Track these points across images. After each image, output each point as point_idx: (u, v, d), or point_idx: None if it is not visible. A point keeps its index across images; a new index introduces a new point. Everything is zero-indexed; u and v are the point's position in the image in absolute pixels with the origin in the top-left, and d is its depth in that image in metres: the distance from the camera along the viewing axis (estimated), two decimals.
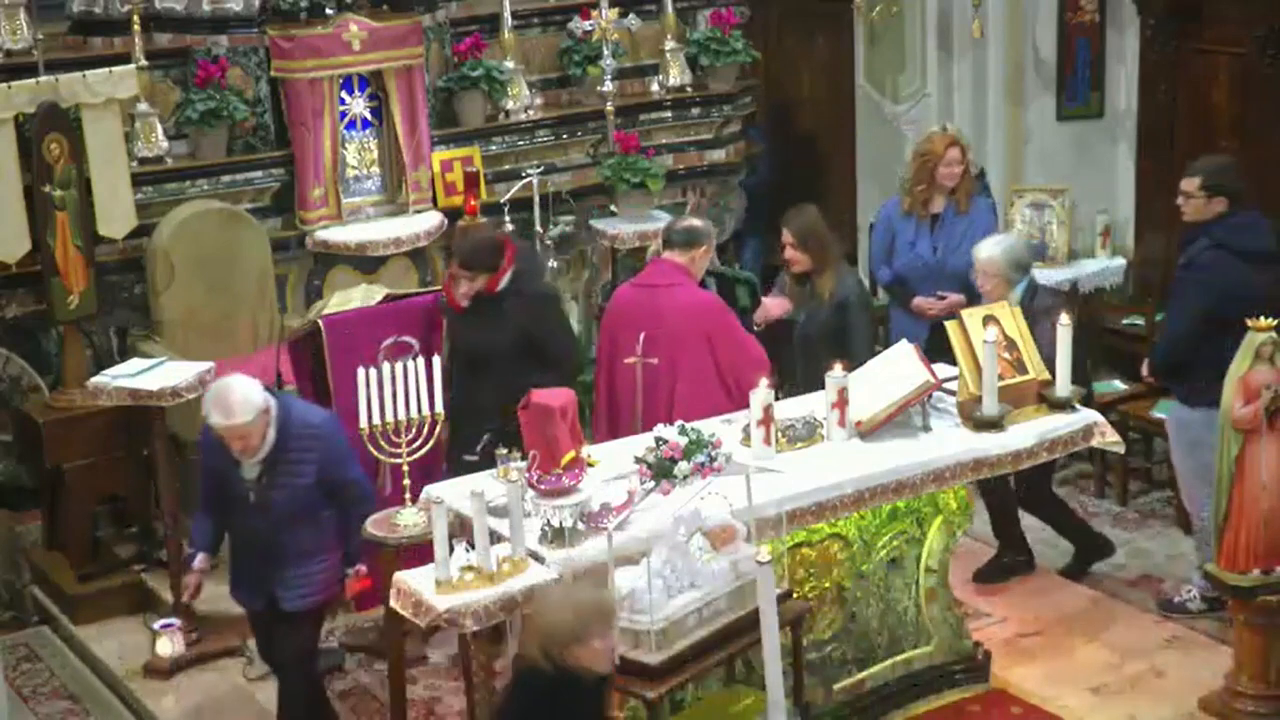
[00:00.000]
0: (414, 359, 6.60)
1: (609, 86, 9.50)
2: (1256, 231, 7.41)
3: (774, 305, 8.06)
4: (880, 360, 6.87)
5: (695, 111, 10.14)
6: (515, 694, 5.19)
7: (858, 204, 11.36)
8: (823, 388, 6.63)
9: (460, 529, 5.96)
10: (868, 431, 6.61)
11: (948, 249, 8.48)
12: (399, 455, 6.55)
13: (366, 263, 8.94)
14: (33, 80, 8.17)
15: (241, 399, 6.18)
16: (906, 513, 6.72)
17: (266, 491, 6.34)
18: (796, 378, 7.84)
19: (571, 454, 6.05)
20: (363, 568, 6.57)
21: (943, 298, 8.35)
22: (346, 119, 8.98)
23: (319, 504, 6.42)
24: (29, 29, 8.79)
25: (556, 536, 5.87)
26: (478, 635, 5.74)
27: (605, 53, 9.48)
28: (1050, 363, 6.80)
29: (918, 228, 8.59)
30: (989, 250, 7.54)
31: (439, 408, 6.57)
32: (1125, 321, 9.80)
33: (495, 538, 5.76)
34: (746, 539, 5.80)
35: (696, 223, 7.55)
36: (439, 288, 7.80)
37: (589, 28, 9.54)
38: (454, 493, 6.17)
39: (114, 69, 8.30)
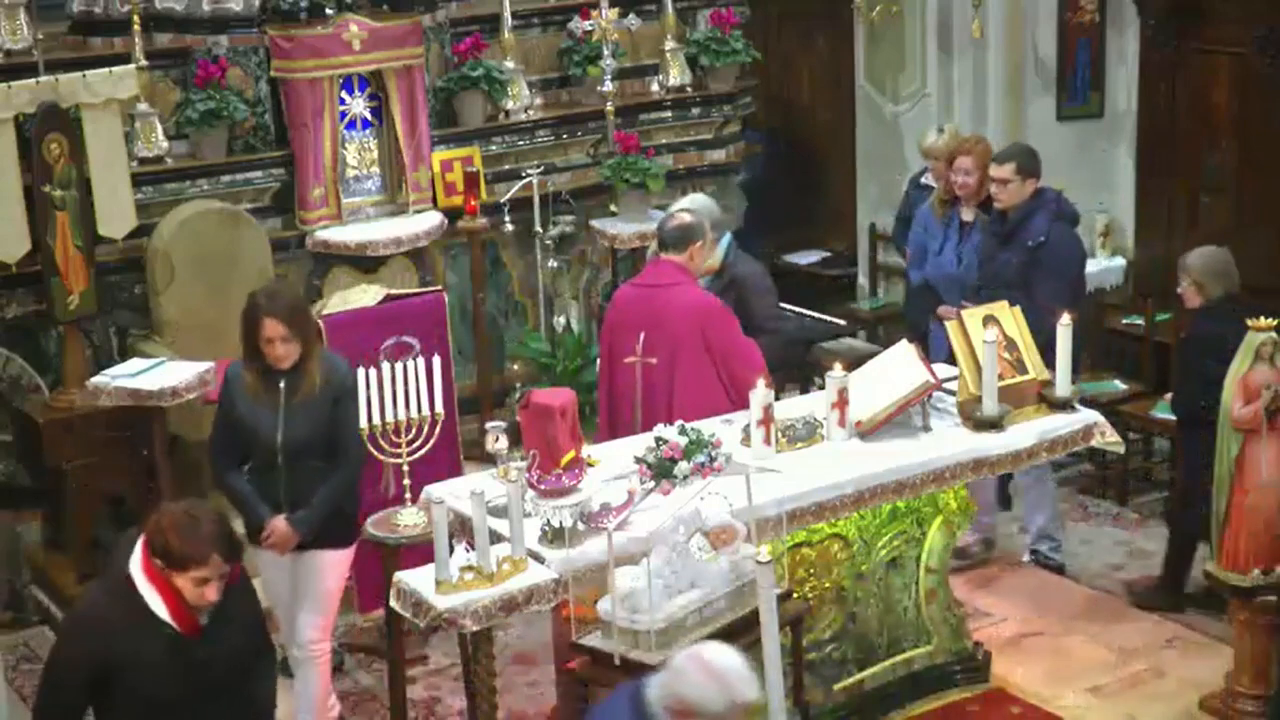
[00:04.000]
0: (414, 359, 6.60)
1: (609, 86, 9.50)
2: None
3: None
4: (880, 360, 6.88)
5: (695, 111, 10.14)
6: None
7: (857, 204, 11.38)
8: None
9: (460, 529, 5.96)
10: (868, 431, 6.61)
11: (971, 260, 8.36)
12: (399, 455, 6.55)
13: (366, 263, 8.93)
14: (33, 80, 8.16)
15: None
16: (906, 513, 6.73)
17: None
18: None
19: (571, 454, 6.06)
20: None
21: (965, 308, 8.26)
22: (346, 119, 8.97)
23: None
24: (29, 29, 8.77)
25: (556, 536, 5.87)
26: (477, 635, 5.74)
27: (605, 53, 9.47)
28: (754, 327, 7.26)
29: (945, 234, 8.52)
30: (674, 213, 7.50)
31: (439, 408, 6.57)
32: (1125, 321, 9.80)
33: (495, 538, 5.77)
34: (746, 539, 5.80)
35: (688, 219, 7.40)
36: (439, 288, 7.80)
37: (589, 28, 9.53)
38: (454, 493, 6.17)
39: (114, 69, 8.29)
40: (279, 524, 6.43)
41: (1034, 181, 7.93)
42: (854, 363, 7.03)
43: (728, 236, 7.68)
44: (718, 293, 7.43)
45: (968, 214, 8.45)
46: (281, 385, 6.37)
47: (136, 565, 4.90)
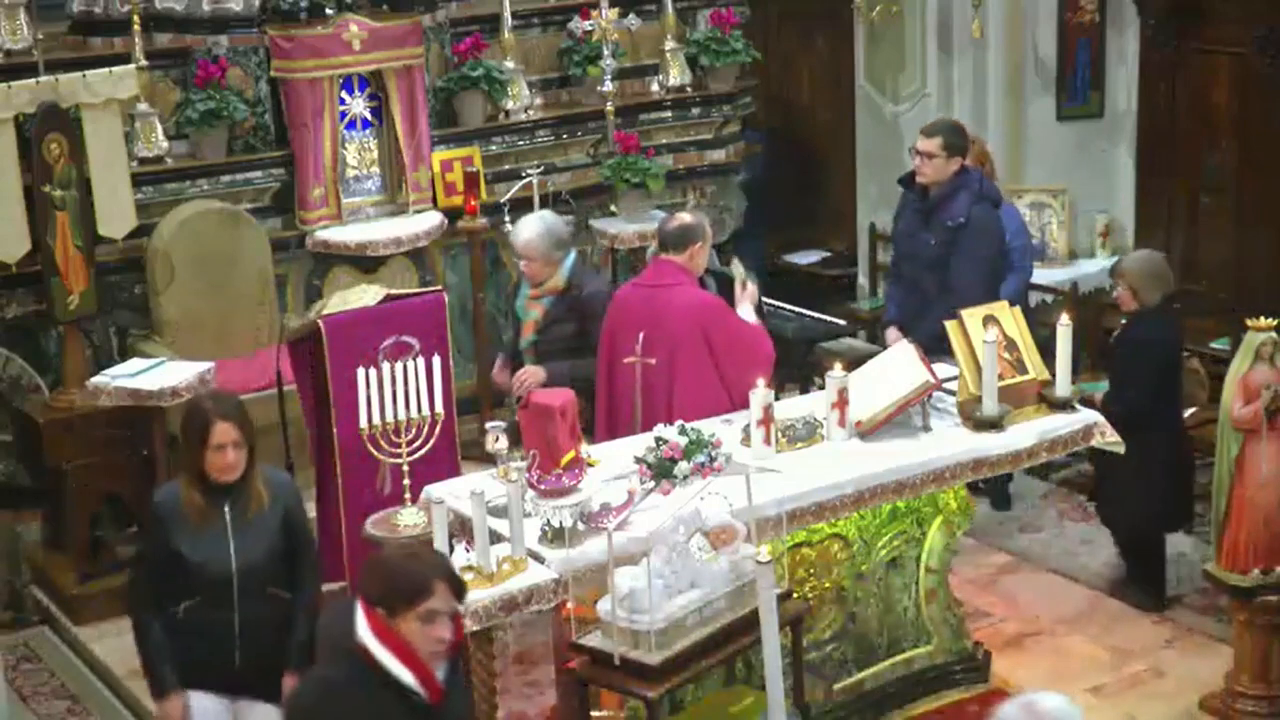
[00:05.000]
0: (414, 359, 6.60)
1: (609, 86, 9.50)
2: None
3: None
4: (880, 360, 6.87)
5: (695, 111, 10.14)
6: None
7: (857, 204, 11.37)
8: None
9: (460, 529, 5.96)
10: (868, 431, 6.60)
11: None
12: (399, 455, 6.55)
13: (366, 263, 8.94)
14: (33, 80, 8.17)
15: None
16: (906, 513, 6.72)
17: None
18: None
19: (571, 454, 6.05)
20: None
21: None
22: (346, 119, 8.98)
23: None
24: (29, 29, 8.78)
25: (556, 536, 5.87)
26: (477, 635, 5.74)
27: (605, 53, 9.47)
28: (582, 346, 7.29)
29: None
30: (526, 233, 7.51)
31: (439, 408, 6.57)
32: (1125, 321, 9.79)
33: (495, 538, 5.77)
34: (746, 539, 5.80)
35: (688, 220, 7.44)
36: (439, 288, 7.80)
37: (589, 28, 9.54)
38: (454, 493, 6.17)
39: (114, 69, 8.30)
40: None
41: (959, 160, 7.87)
42: (854, 363, 7.02)
43: (571, 255, 7.62)
44: (560, 315, 7.53)
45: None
46: (227, 506, 5.54)
47: (364, 630, 4.37)
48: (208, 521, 5.53)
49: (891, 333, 8.06)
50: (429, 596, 4.35)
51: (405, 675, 4.35)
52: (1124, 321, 7.75)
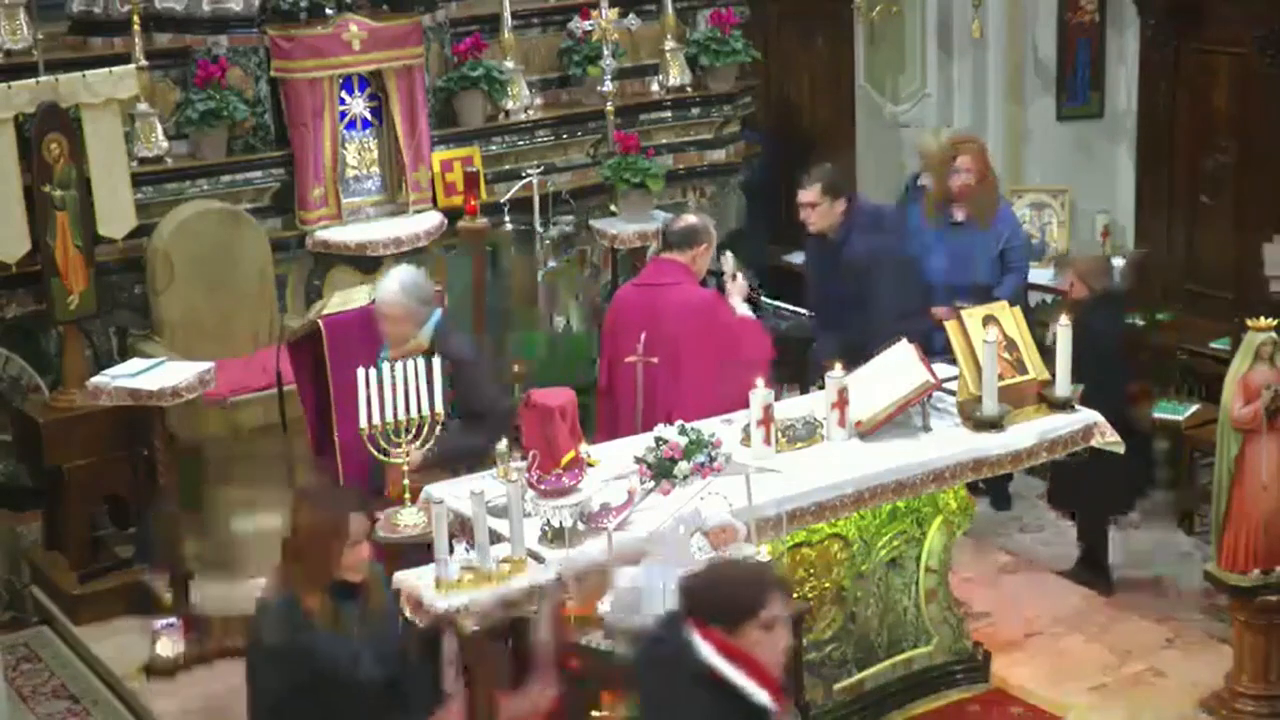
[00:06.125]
0: (414, 359, 6.60)
1: (609, 86, 9.50)
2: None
3: None
4: (880, 360, 6.87)
5: (695, 111, 10.15)
6: None
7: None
8: None
9: (460, 529, 5.96)
10: (868, 431, 6.61)
11: (965, 260, 8.42)
12: (399, 455, 6.54)
13: (366, 263, 8.93)
14: (33, 80, 8.17)
15: None
16: (906, 513, 6.72)
17: None
18: None
19: (571, 454, 6.06)
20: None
21: (960, 308, 8.26)
22: (346, 119, 8.98)
23: None
24: (29, 29, 8.78)
25: (556, 536, 5.87)
26: (477, 635, 5.74)
27: (605, 53, 9.47)
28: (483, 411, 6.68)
29: (937, 235, 8.54)
30: (386, 291, 6.85)
31: (439, 408, 6.57)
32: (1125, 321, 9.79)
33: (495, 538, 5.77)
34: (746, 539, 5.80)
35: (694, 221, 7.51)
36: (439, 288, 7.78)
37: (589, 28, 9.54)
38: (454, 493, 6.17)
39: (114, 69, 8.30)
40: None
41: (842, 201, 7.79)
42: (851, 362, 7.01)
43: (436, 313, 6.93)
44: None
45: (960, 214, 8.50)
46: (351, 606, 5.03)
47: (709, 652, 4.21)
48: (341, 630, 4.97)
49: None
50: (769, 604, 4.25)
51: (761, 695, 4.22)
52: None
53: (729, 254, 7.81)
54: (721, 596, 4.27)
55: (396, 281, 6.87)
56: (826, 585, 6.58)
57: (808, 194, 7.78)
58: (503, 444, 6.26)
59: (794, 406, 6.90)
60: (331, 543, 4.90)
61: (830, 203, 7.73)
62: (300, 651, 4.86)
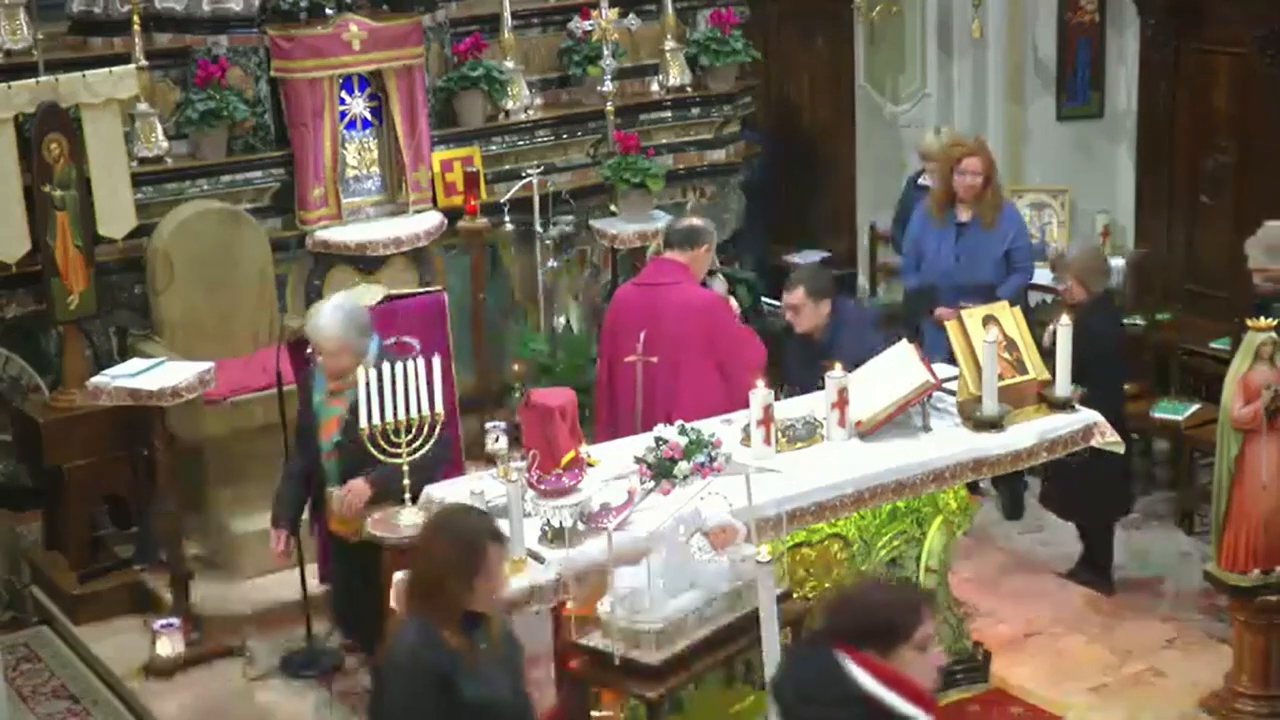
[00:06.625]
0: (414, 359, 6.60)
1: (609, 86, 9.50)
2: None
3: None
4: (880, 360, 6.87)
5: (695, 111, 10.14)
6: None
7: (857, 204, 11.38)
8: None
9: None
10: (868, 431, 6.61)
11: (970, 260, 8.43)
12: (399, 455, 6.54)
13: (366, 263, 8.94)
14: (33, 80, 8.16)
15: None
16: (906, 513, 6.72)
17: None
18: None
19: (571, 454, 6.06)
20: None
21: (964, 308, 8.25)
22: (346, 119, 8.97)
23: None
24: (29, 29, 8.78)
25: (556, 536, 5.87)
26: None
27: (605, 53, 9.47)
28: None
29: (942, 235, 8.54)
30: (326, 323, 6.58)
31: (439, 408, 6.57)
32: (1125, 321, 9.79)
33: None
34: (746, 539, 5.80)
35: (697, 222, 7.55)
36: (439, 288, 7.80)
37: (589, 28, 9.54)
38: (454, 493, 6.17)
39: (114, 69, 8.30)
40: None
41: (827, 300, 7.61)
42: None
43: (374, 340, 6.67)
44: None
45: (964, 214, 8.50)
46: (478, 637, 4.74)
47: (864, 677, 4.15)
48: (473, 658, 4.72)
49: None
50: (922, 623, 4.20)
51: (916, 713, 4.16)
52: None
53: (720, 278, 7.83)
54: (873, 619, 4.19)
55: (331, 313, 6.60)
56: (826, 585, 6.57)
57: (791, 298, 7.63)
58: (502, 443, 6.26)
59: (794, 406, 6.90)
60: (468, 578, 4.61)
61: (815, 304, 7.60)
62: (463, 696, 4.58)
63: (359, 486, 6.49)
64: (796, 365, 7.81)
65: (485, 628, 4.70)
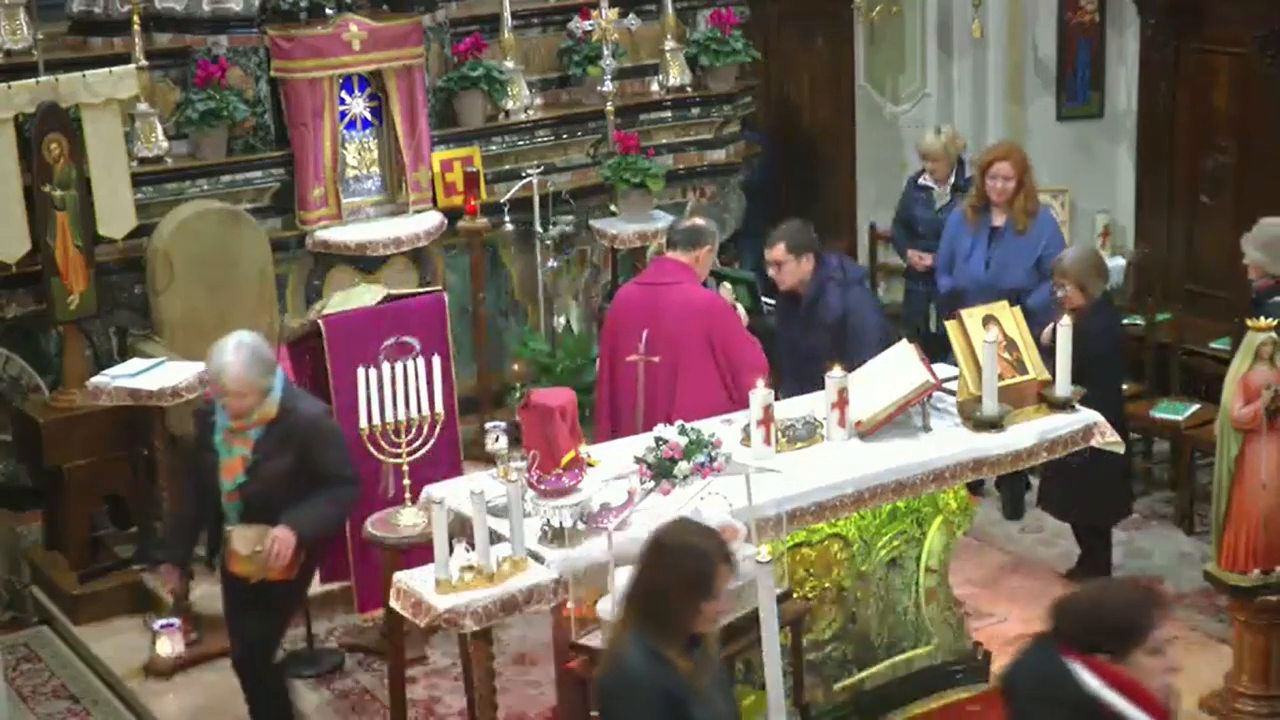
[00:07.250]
0: (414, 359, 6.60)
1: (609, 86, 9.50)
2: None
3: None
4: (880, 360, 6.88)
5: (695, 111, 10.14)
6: None
7: (857, 204, 11.38)
8: None
9: (460, 529, 5.96)
10: (868, 431, 6.61)
11: (1001, 265, 8.40)
12: (399, 455, 6.55)
13: (366, 263, 8.94)
14: (33, 80, 8.17)
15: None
16: (906, 513, 6.72)
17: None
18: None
19: (571, 454, 6.06)
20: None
21: None
22: (346, 119, 8.98)
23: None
24: (29, 29, 8.78)
25: (556, 536, 5.87)
26: (477, 635, 5.74)
27: (605, 53, 9.48)
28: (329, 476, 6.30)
29: (974, 240, 8.52)
30: (223, 365, 6.28)
31: (439, 407, 6.57)
32: (1125, 321, 9.79)
33: (495, 538, 5.77)
34: (746, 539, 5.80)
35: (700, 222, 7.56)
36: (439, 288, 7.80)
37: (589, 28, 9.54)
38: (454, 493, 6.17)
39: (114, 69, 8.30)
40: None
41: (810, 256, 7.61)
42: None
43: (279, 375, 6.41)
44: (272, 448, 6.28)
45: (998, 219, 8.46)
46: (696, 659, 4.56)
47: (1096, 684, 4.08)
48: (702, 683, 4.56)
49: None
50: (1156, 626, 4.08)
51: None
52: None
53: (726, 285, 7.82)
54: (1105, 622, 4.09)
55: (235, 351, 6.25)
56: (826, 585, 6.58)
57: (773, 252, 7.63)
58: (502, 443, 6.26)
59: (794, 406, 6.90)
60: (697, 601, 4.45)
61: (796, 260, 7.59)
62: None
63: (285, 536, 6.18)
64: (784, 322, 7.83)
65: (704, 647, 4.56)
